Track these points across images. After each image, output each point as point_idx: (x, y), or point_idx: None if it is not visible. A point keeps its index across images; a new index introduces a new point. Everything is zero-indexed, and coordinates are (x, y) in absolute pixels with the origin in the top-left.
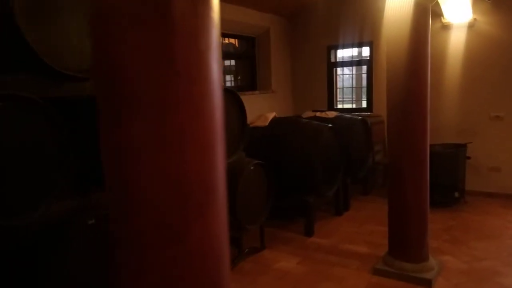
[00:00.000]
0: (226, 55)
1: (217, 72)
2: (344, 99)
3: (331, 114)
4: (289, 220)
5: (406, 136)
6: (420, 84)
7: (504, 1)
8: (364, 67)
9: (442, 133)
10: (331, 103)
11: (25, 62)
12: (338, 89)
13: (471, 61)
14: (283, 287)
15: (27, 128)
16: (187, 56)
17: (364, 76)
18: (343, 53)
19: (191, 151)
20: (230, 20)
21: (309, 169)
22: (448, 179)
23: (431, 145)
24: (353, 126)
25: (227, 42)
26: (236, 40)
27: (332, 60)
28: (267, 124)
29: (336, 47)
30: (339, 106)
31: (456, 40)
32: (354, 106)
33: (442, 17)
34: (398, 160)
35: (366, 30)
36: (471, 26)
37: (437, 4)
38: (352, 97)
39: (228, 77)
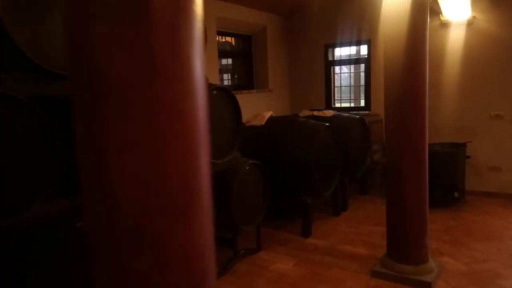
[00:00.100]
0: (222, 53)
1: (200, 69)
2: (342, 98)
3: (329, 113)
4: (286, 220)
5: (404, 135)
6: (418, 82)
7: None
8: (362, 66)
9: (441, 132)
10: (328, 102)
11: (13, 61)
12: (336, 88)
13: (470, 59)
14: None
15: (16, 127)
16: (167, 52)
17: (363, 74)
18: (341, 52)
19: (172, 152)
20: (226, 18)
21: (306, 168)
22: (447, 178)
23: (430, 144)
24: (351, 125)
25: (224, 40)
26: (233, 38)
27: (330, 58)
28: (263, 123)
29: (334, 46)
30: (337, 105)
31: (455, 38)
32: (352, 105)
33: (440, 15)
34: (396, 160)
35: (364, 28)
36: (470, 24)
37: (436, 1)
38: (350, 96)
39: (224, 76)
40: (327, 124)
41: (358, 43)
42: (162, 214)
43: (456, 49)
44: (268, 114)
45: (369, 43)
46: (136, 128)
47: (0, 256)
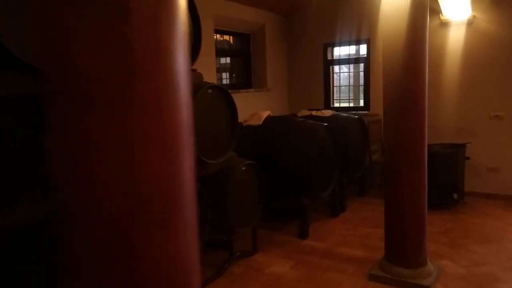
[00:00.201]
0: (220, 52)
1: (182, 63)
2: (341, 98)
3: (327, 113)
4: (283, 221)
5: (403, 135)
6: (417, 81)
7: None
8: (362, 65)
9: (441, 133)
10: (327, 102)
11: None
12: (334, 88)
13: (470, 59)
14: None
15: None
16: (147, 46)
17: (362, 74)
18: (340, 51)
19: (151, 154)
20: (224, 16)
21: (303, 169)
22: (446, 180)
23: (429, 145)
24: (349, 125)
25: (222, 39)
26: (231, 37)
27: (329, 58)
28: (260, 123)
29: (333, 45)
30: (336, 104)
31: (455, 38)
32: (351, 104)
33: (440, 14)
34: (395, 160)
35: (363, 27)
36: (470, 23)
37: (436, 0)
38: (349, 95)
39: (222, 75)
40: (325, 124)
41: (358, 43)
42: (138, 221)
43: (456, 48)
44: (265, 114)
45: (369, 43)
46: (109, 128)
47: None
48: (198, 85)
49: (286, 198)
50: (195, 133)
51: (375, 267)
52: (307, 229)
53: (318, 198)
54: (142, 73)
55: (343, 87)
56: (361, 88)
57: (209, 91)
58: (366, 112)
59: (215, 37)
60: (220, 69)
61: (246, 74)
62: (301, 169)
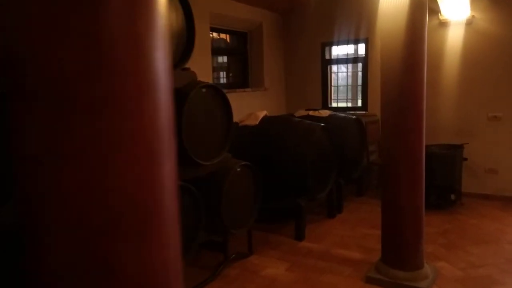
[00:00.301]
0: (217, 50)
1: (162, 62)
2: (340, 98)
3: (325, 113)
4: (279, 222)
5: (401, 136)
6: (415, 81)
7: None
8: (360, 65)
9: (439, 133)
10: (325, 102)
11: None
12: (332, 87)
13: (469, 59)
14: None
15: None
16: (119, 40)
17: (360, 74)
18: (338, 51)
19: (123, 161)
20: (220, 14)
21: (300, 170)
22: (444, 180)
23: (427, 146)
24: (347, 126)
25: (219, 37)
26: (227, 35)
27: (327, 57)
28: (257, 123)
29: (331, 44)
30: (334, 104)
31: (454, 38)
32: (349, 104)
33: (439, 14)
34: (392, 161)
35: (361, 26)
36: (469, 23)
37: (435, 0)
38: (347, 95)
39: (221, 74)
40: (323, 124)
41: (356, 42)
42: (112, 235)
43: (454, 49)
44: (262, 114)
45: (367, 42)
46: (80, 131)
47: None
48: (191, 84)
49: (282, 199)
50: (188, 133)
51: (372, 270)
52: (303, 231)
53: (315, 199)
54: (116, 72)
55: (341, 87)
56: (359, 88)
57: (203, 90)
58: (364, 112)
59: (211, 35)
60: (217, 68)
61: (243, 73)
62: (298, 169)
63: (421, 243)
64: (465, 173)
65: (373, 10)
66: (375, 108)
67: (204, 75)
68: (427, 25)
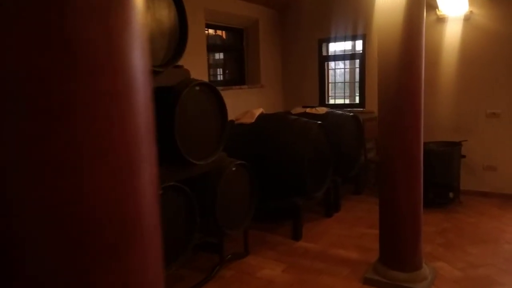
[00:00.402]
0: (212, 47)
1: (139, 62)
2: (338, 94)
3: (322, 110)
4: (276, 222)
5: (398, 133)
6: (413, 78)
7: None
8: (358, 61)
9: (436, 131)
10: (322, 99)
11: None
12: (330, 84)
13: (467, 55)
14: None
15: None
16: (90, 39)
17: (358, 70)
18: (335, 47)
19: (95, 173)
20: (216, 10)
21: (297, 169)
22: (442, 178)
23: (424, 143)
24: (344, 123)
25: (215, 34)
26: (223, 32)
27: (324, 53)
28: (253, 121)
29: (328, 40)
30: (331, 101)
31: (452, 34)
32: (347, 101)
33: (437, 10)
34: (389, 159)
35: (359, 22)
36: (467, 19)
37: None
38: (344, 92)
39: (215, 71)
40: (319, 122)
41: (353, 38)
42: (82, 256)
43: (452, 45)
44: (258, 112)
45: (364, 38)
46: (47, 139)
47: None
48: (185, 82)
49: (279, 198)
50: (181, 133)
51: (370, 271)
52: (300, 230)
53: (312, 198)
54: (86, 72)
55: (339, 83)
56: (357, 85)
57: (197, 88)
58: (361, 109)
59: (206, 32)
60: (213, 65)
61: (239, 70)
62: (294, 168)
63: (420, 243)
64: (463, 171)
65: (371, 6)
66: (373, 105)
67: (200, 73)
68: (424, 21)
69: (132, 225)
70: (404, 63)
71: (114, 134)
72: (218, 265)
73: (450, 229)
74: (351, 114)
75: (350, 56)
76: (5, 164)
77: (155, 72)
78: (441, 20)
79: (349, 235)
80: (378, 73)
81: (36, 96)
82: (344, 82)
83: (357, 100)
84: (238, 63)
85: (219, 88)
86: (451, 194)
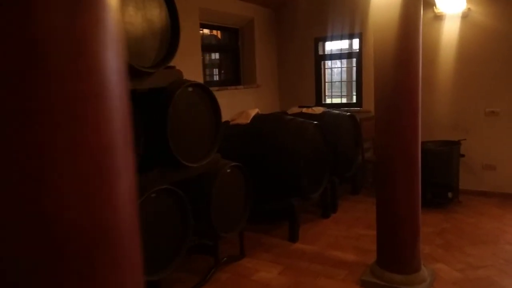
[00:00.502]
0: (207, 47)
1: (113, 63)
2: (335, 94)
3: (318, 110)
4: (272, 223)
5: (395, 133)
6: (410, 76)
7: None
8: (355, 60)
9: (435, 130)
10: (319, 98)
11: None
12: (326, 84)
13: (465, 53)
14: None
15: None
16: (58, 38)
17: (355, 69)
18: (332, 46)
19: (63, 180)
20: (210, 9)
21: (293, 169)
22: (441, 178)
23: (422, 142)
24: (341, 123)
25: (210, 33)
26: (219, 31)
27: (320, 53)
28: (248, 121)
29: (324, 39)
30: (328, 101)
31: (450, 31)
32: (344, 101)
33: (434, 7)
34: (387, 159)
35: (355, 21)
36: (465, 16)
37: None
38: (341, 91)
39: (210, 71)
40: (316, 122)
41: (350, 37)
42: (53, 269)
43: (450, 42)
44: (253, 112)
45: (361, 37)
46: (9, 148)
47: None
48: (177, 83)
49: (275, 200)
50: (174, 135)
51: (367, 273)
52: (297, 232)
53: (309, 199)
54: (54, 75)
55: (336, 82)
56: (354, 84)
57: (189, 89)
58: (358, 108)
59: (201, 32)
60: (208, 65)
61: (234, 70)
62: (290, 169)
63: (418, 244)
64: (462, 170)
65: (367, 4)
66: (370, 104)
67: (195, 73)
68: (421, 18)
69: (106, 234)
70: (400, 62)
71: (85, 139)
72: (213, 268)
73: (449, 230)
74: (348, 113)
75: (347, 55)
76: None
77: (146, 73)
78: (438, 17)
79: (347, 236)
80: (375, 71)
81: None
82: (341, 81)
83: (354, 100)
84: (234, 63)
85: (214, 88)
86: (450, 194)
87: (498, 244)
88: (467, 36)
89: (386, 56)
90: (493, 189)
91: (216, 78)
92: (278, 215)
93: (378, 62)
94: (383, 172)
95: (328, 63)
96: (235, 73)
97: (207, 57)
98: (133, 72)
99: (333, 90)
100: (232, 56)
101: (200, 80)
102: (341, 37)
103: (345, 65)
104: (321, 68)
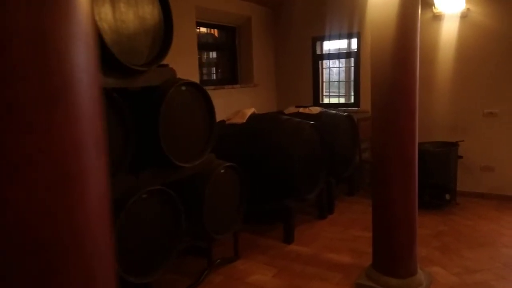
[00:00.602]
0: (204, 46)
1: (83, 59)
2: (332, 94)
3: (315, 110)
4: (268, 224)
5: (392, 133)
6: (407, 76)
7: None
8: (352, 60)
9: (432, 131)
10: (316, 98)
11: None
12: (324, 83)
13: (464, 53)
14: None
15: None
16: (19, 36)
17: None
18: (329, 45)
19: (21, 187)
20: (207, 8)
21: (289, 170)
22: (438, 180)
23: (420, 143)
24: (338, 123)
25: (207, 32)
26: (216, 30)
27: (318, 52)
28: (244, 121)
29: (322, 39)
30: (326, 100)
31: (448, 31)
32: (342, 100)
33: (433, 7)
34: (383, 160)
35: (353, 20)
36: (464, 16)
37: None
38: (339, 91)
39: (207, 70)
40: (312, 122)
41: (348, 36)
42: (19, 278)
43: (449, 43)
44: (250, 111)
45: (359, 36)
46: None
47: None
48: (170, 81)
49: (271, 200)
50: (166, 134)
51: (362, 276)
52: (292, 233)
53: (305, 200)
54: (16, 73)
55: (334, 82)
56: (352, 84)
57: (183, 88)
58: (356, 108)
59: (198, 30)
60: (205, 64)
61: (231, 69)
62: (286, 169)
63: (415, 246)
64: (460, 172)
65: (365, 3)
66: (368, 104)
67: (191, 72)
68: (419, 17)
69: (72, 241)
70: (398, 61)
71: (49, 141)
72: (206, 270)
73: (446, 232)
74: (345, 113)
75: (345, 55)
76: None
77: (138, 72)
78: (437, 17)
79: (343, 238)
80: (372, 69)
81: None
82: (339, 81)
83: (352, 100)
84: (231, 62)
85: (211, 87)
86: (447, 196)
87: (495, 247)
88: (466, 36)
89: (384, 55)
90: (491, 191)
91: (213, 77)
92: (273, 216)
93: (375, 61)
94: (380, 173)
95: (326, 63)
96: (232, 72)
97: (204, 56)
98: (125, 70)
99: (331, 90)
100: (229, 55)
101: (197, 79)
102: (339, 37)
103: (343, 65)
104: (318, 68)
